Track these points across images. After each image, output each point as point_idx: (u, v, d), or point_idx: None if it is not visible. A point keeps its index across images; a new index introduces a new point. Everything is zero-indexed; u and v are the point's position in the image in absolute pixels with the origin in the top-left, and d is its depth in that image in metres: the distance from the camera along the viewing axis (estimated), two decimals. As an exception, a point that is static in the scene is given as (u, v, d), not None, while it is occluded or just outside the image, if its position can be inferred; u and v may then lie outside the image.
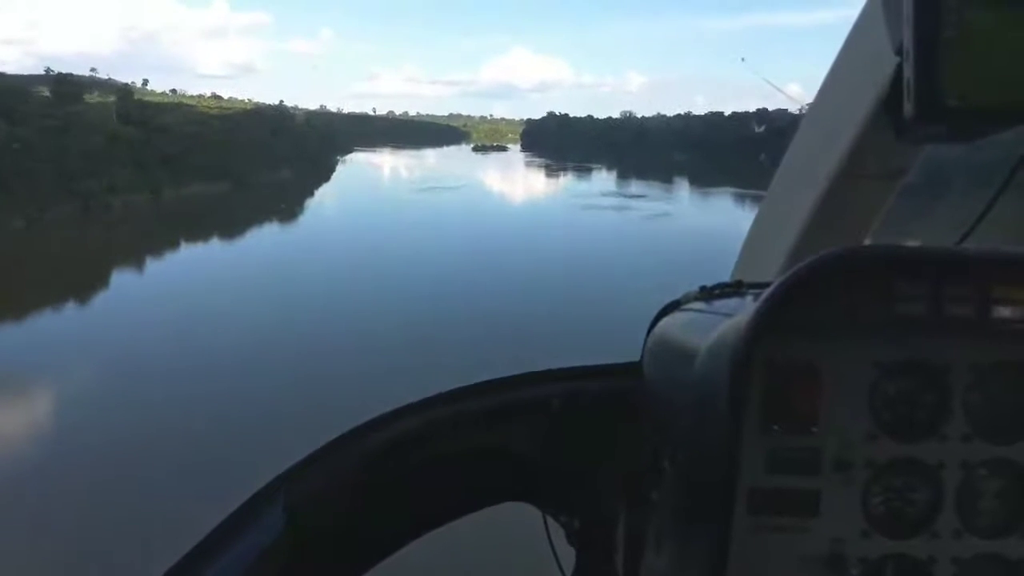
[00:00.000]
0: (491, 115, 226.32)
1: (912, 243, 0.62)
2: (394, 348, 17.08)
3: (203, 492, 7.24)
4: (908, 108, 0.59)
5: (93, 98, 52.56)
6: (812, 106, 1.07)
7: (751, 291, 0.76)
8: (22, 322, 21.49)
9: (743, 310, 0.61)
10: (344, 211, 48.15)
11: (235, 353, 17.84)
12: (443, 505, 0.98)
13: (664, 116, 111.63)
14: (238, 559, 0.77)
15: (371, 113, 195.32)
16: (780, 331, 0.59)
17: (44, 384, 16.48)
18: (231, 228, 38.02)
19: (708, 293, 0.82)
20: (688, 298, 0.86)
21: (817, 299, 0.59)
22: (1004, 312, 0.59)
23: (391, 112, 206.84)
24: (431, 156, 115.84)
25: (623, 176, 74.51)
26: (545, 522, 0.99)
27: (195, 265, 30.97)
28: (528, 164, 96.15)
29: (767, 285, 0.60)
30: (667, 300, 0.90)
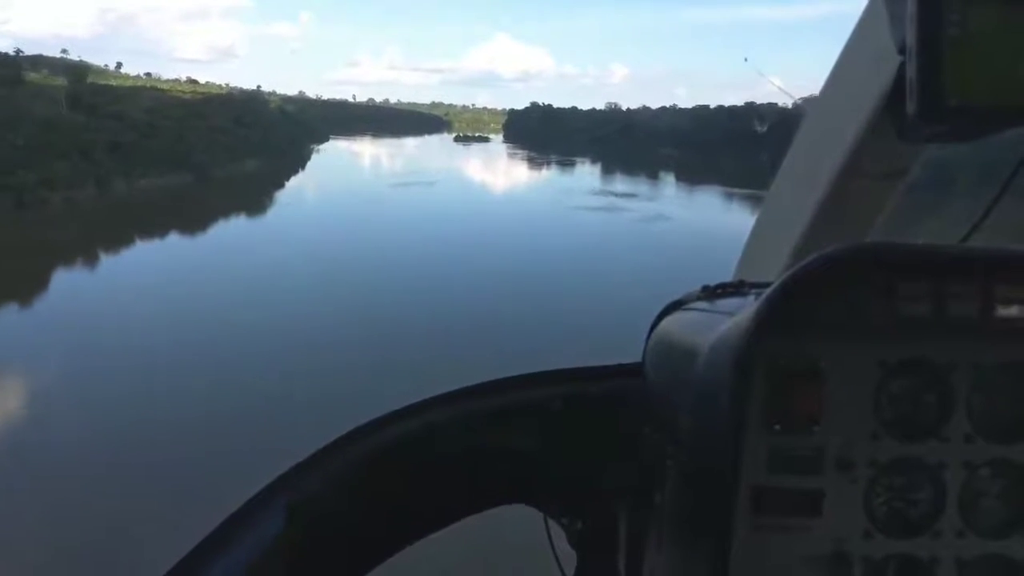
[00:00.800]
0: (473, 104, 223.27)
1: (915, 242, 0.61)
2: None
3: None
4: (911, 107, 0.59)
5: (43, 80, 48.69)
6: (814, 105, 1.06)
7: (753, 290, 0.76)
8: None
9: (745, 309, 0.61)
10: (310, 213, 43.04)
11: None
12: (444, 507, 0.97)
13: (649, 108, 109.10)
14: (238, 560, 0.77)
15: (351, 100, 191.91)
16: (782, 330, 0.59)
17: None
18: (179, 226, 34.57)
19: (710, 292, 0.82)
20: (690, 297, 0.85)
21: (819, 298, 0.59)
22: (1008, 312, 0.58)
23: (372, 99, 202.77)
24: (411, 145, 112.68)
25: (608, 171, 71.75)
26: (546, 523, 0.99)
27: (123, 272, 27.60)
28: (511, 156, 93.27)
29: (769, 284, 0.60)
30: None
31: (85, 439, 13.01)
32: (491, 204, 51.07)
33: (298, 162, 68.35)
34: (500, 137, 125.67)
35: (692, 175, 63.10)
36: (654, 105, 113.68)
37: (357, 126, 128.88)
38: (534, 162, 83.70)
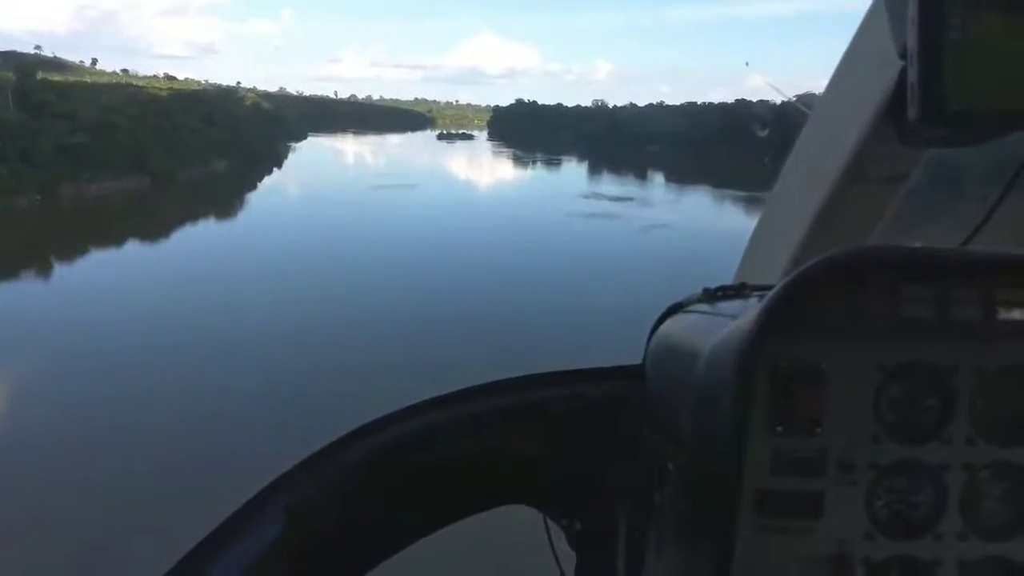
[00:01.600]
0: (457, 101, 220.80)
1: (917, 245, 0.61)
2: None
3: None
4: (912, 112, 0.60)
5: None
6: (816, 108, 1.07)
7: (755, 293, 0.76)
8: None
9: (747, 312, 0.61)
10: (272, 224, 38.21)
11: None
12: (443, 508, 0.97)
13: (636, 105, 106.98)
14: (237, 561, 0.77)
15: (333, 97, 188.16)
16: (784, 333, 0.59)
17: None
18: (125, 237, 31.53)
19: (711, 295, 0.82)
20: (691, 300, 0.85)
21: (821, 301, 0.59)
22: (1009, 315, 0.59)
23: (354, 96, 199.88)
24: (394, 143, 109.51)
25: (596, 170, 69.31)
26: (546, 524, 0.98)
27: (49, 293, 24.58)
28: (496, 155, 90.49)
29: (771, 287, 0.60)
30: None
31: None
32: (475, 212, 47.52)
33: (272, 162, 65.08)
34: (484, 135, 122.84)
35: (682, 175, 60.63)
36: (641, 102, 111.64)
37: (339, 123, 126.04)
38: (519, 161, 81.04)
